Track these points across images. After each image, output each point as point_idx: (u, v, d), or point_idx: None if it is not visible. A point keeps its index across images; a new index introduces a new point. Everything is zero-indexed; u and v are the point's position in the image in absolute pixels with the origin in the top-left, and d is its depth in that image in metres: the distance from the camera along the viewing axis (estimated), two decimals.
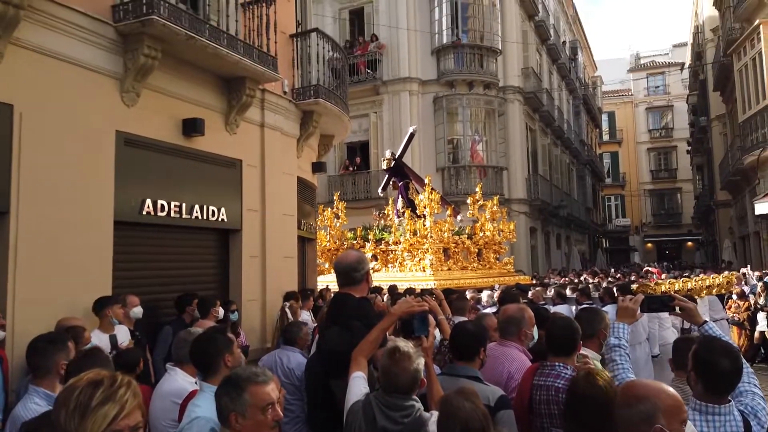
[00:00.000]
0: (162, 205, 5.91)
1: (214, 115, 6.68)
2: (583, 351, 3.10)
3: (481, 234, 12.50)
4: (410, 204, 12.48)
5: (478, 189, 13.26)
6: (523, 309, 3.55)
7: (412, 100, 19.19)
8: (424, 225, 11.31)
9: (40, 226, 4.64)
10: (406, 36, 19.18)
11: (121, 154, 5.45)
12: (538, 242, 23.08)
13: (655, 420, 1.81)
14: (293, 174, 8.23)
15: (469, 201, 12.88)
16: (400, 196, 13.23)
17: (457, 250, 11.79)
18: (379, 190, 15.18)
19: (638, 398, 1.86)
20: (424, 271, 11.02)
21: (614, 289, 8.01)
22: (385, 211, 13.18)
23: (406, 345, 2.43)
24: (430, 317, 3.69)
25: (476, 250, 12.32)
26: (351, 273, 3.00)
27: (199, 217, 6.40)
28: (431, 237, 11.18)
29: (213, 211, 6.59)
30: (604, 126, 44.75)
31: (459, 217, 13.03)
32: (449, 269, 11.37)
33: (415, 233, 11.34)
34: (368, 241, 11.99)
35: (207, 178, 6.56)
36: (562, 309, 7.58)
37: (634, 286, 7.57)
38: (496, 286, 10.04)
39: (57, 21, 4.84)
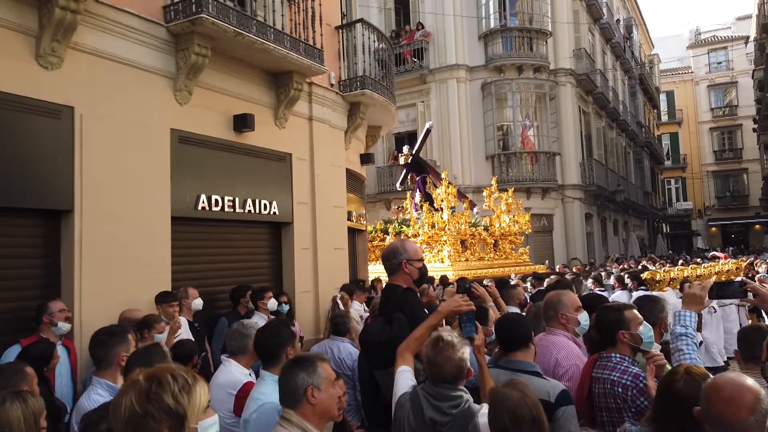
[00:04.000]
0: (216, 200, 6.07)
1: (263, 110, 6.78)
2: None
3: (497, 226, 12.67)
4: (428, 198, 12.74)
5: (493, 182, 13.45)
6: (560, 293, 3.48)
7: (460, 88, 18.92)
8: (442, 218, 11.53)
9: (102, 223, 4.83)
10: (452, 22, 18.90)
11: (176, 152, 5.62)
12: (594, 229, 22.43)
13: None
14: (342, 166, 8.28)
15: (485, 193, 13.08)
16: (417, 190, 13.58)
17: (474, 241, 11.95)
18: (397, 185, 15.46)
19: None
20: (443, 262, 11.25)
21: (625, 276, 7.85)
22: (404, 205, 13.42)
23: (449, 334, 2.42)
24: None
25: (492, 242, 12.46)
26: (386, 262, 3.08)
27: (252, 211, 6.53)
28: (449, 229, 11.40)
29: (265, 205, 6.71)
30: (663, 106, 42.77)
31: (475, 210, 13.30)
32: (467, 260, 11.56)
33: (433, 226, 11.60)
34: (388, 234, 12.19)
35: (258, 173, 6.68)
36: (621, 296, 7.37)
37: (644, 275, 7.38)
38: (513, 276, 10.13)
39: (112, 24, 5.01)
